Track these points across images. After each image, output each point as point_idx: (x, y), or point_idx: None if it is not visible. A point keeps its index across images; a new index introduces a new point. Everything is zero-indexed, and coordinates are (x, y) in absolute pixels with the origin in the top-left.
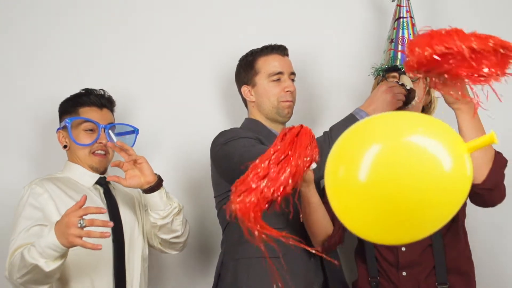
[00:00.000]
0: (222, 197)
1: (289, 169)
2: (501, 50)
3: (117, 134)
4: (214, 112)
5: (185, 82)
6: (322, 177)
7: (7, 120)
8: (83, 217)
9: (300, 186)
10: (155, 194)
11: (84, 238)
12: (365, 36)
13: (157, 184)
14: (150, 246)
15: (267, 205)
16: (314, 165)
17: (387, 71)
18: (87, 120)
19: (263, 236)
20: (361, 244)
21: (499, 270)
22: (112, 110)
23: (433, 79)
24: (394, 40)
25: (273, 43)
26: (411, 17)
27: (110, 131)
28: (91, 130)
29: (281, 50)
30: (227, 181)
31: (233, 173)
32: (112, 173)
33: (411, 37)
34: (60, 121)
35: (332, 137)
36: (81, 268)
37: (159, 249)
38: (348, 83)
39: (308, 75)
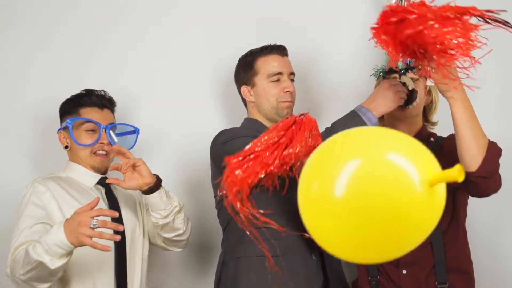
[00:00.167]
0: (222, 196)
1: (277, 152)
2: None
3: (118, 134)
4: (214, 112)
5: (185, 82)
6: None
7: (7, 120)
8: (96, 218)
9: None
10: (155, 194)
11: (94, 239)
12: (366, 36)
13: (156, 184)
14: (153, 244)
15: (252, 182)
16: None
17: (388, 73)
18: (88, 121)
19: (250, 216)
20: None
21: (499, 270)
22: (113, 111)
23: (425, 67)
24: None
25: (272, 43)
26: None
27: (111, 132)
28: (92, 130)
29: (280, 50)
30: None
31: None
32: (111, 175)
33: None
34: (61, 122)
35: (334, 133)
36: (83, 268)
37: (163, 247)
38: (348, 83)
39: (308, 75)
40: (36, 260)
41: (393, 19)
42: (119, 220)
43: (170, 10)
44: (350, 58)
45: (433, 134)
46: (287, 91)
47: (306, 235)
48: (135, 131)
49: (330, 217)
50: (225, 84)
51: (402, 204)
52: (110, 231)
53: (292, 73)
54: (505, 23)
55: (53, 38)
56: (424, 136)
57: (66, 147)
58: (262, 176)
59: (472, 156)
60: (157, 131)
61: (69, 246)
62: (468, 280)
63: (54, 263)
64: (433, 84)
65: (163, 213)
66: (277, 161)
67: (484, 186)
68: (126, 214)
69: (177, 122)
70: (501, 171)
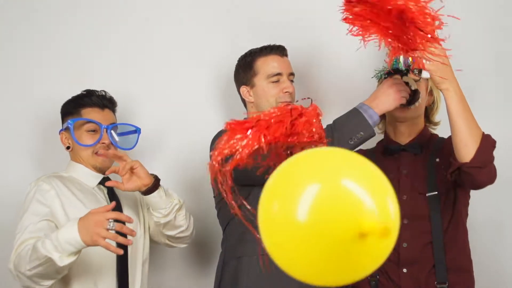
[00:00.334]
0: (221, 196)
1: (263, 135)
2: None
3: (119, 134)
4: (214, 111)
5: (185, 82)
6: None
7: (9, 120)
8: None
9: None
10: (154, 194)
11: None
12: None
13: (154, 185)
14: (158, 243)
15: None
16: None
17: (389, 74)
18: (89, 121)
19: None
20: None
21: (499, 270)
22: (114, 111)
23: (418, 58)
24: None
25: (272, 43)
26: None
27: (112, 131)
28: (94, 130)
29: (280, 50)
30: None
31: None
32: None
33: None
34: (63, 123)
35: (336, 131)
36: (84, 268)
37: (167, 244)
38: (348, 83)
39: (308, 75)
40: (45, 255)
41: None
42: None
43: (171, 10)
44: (350, 58)
45: (435, 136)
46: (286, 92)
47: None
48: (136, 130)
49: (290, 240)
50: (225, 83)
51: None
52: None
53: (292, 74)
54: None
55: (54, 39)
56: (426, 137)
57: (68, 147)
58: (262, 145)
59: (466, 147)
60: (158, 130)
61: (82, 244)
62: (468, 280)
63: (62, 261)
64: (428, 76)
65: (163, 211)
66: (263, 139)
67: (478, 176)
68: (127, 214)
69: (178, 122)
70: (501, 171)
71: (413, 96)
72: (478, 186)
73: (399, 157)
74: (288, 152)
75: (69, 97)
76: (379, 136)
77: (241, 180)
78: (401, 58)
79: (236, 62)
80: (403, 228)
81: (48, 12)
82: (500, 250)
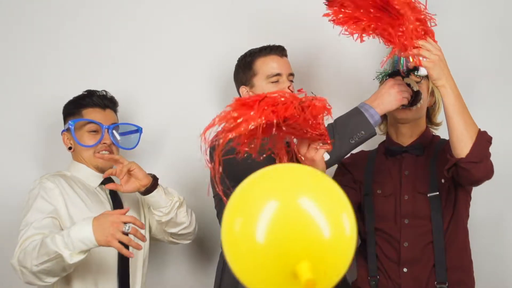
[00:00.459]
0: (220, 196)
1: (271, 110)
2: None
3: (121, 134)
4: (216, 111)
5: (187, 81)
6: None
7: (13, 121)
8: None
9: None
10: (153, 194)
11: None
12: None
13: (153, 184)
14: (162, 240)
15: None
16: (327, 156)
17: (390, 76)
18: (91, 121)
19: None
20: (363, 243)
21: (499, 270)
22: (115, 110)
23: (415, 56)
24: None
25: (273, 43)
26: None
27: (114, 131)
28: (95, 131)
29: (279, 51)
30: (229, 178)
31: (234, 169)
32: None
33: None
34: (64, 123)
35: (337, 129)
36: (85, 266)
37: (171, 241)
38: (349, 84)
39: (308, 76)
40: (55, 251)
41: None
42: None
43: (172, 11)
44: (351, 59)
45: (437, 137)
46: None
47: None
48: (138, 130)
49: (250, 258)
50: (227, 83)
51: (315, 251)
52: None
53: (291, 74)
54: None
55: (58, 40)
56: (428, 139)
57: (69, 148)
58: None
59: (462, 142)
60: (159, 130)
61: (95, 243)
62: (468, 280)
63: (72, 258)
64: (426, 73)
65: (164, 210)
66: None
67: (475, 171)
68: (129, 214)
69: (179, 121)
70: (502, 170)
71: (415, 97)
72: (475, 182)
73: (401, 158)
74: (286, 143)
75: (72, 97)
76: (381, 138)
77: (235, 177)
78: (402, 60)
79: (236, 62)
80: (404, 227)
81: (50, 13)
82: (500, 250)
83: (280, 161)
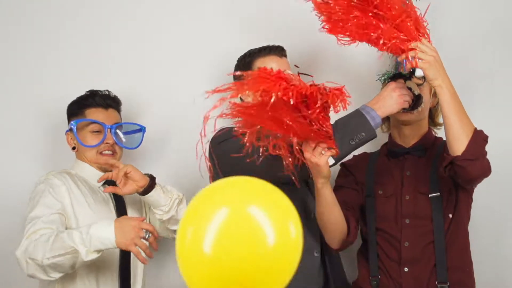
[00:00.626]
0: None
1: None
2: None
3: (124, 133)
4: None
5: (190, 81)
6: None
7: (17, 121)
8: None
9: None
10: (152, 193)
11: None
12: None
13: (150, 185)
14: (166, 237)
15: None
16: (331, 161)
17: (392, 78)
18: (93, 122)
19: None
20: (365, 243)
21: (499, 270)
22: (118, 110)
23: (409, 58)
24: None
25: (276, 43)
26: None
27: (118, 131)
28: (98, 131)
29: (278, 51)
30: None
31: (233, 169)
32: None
33: None
34: (68, 123)
35: (338, 130)
36: (88, 265)
37: (175, 238)
38: (350, 84)
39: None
40: (71, 247)
41: None
42: None
43: (172, 11)
44: (351, 59)
45: (439, 139)
46: None
47: None
48: (141, 129)
49: (199, 266)
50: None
51: (257, 259)
52: None
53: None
54: None
55: (56, 40)
56: (430, 140)
57: (73, 148)
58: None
59: (458, 140)
60: (159, 130)
61: (113, 245)
62: (469, 280)
63: (87, 256)
64: (422, 74)
65: (164, 208)
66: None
67: (470, 169)
68: (132, 213)
69: (182, 121)
70: (503, 172)
71: (416, 101)
72: (471, 180)
73: (403, 159)
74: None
75: (72, 97)
76: (383, 139)
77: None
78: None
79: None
80: (405, 227)
81: (50, 13)
82: (500, 251)
83: (286, 163)
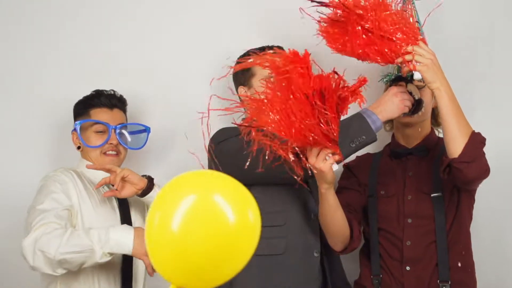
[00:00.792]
0: None
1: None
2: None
3: (129, 134)
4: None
5: (187, 82)
6: None
7: (13, 121)
8: None
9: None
10: (151, 194)
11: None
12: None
13: (149, 186)
14: None
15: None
16: (335, 167)
17: (393, 81)
18: (96, 122)
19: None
20: (367, 243)
21: (501, 269)
22: (124, 110)
23: (408, 62)
24: None
25: (273, 43)
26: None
27: (124, 131)
28: (102, 131)
29: None
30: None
31: (234, 168)
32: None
33: None
34: (74, 123)
35: (338, 133)
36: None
37: None
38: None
39: None
40: (89, 245)
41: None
42: (128, 221)
43: (172, 11)
44: (354, 59)
45: (442, 139)
46: None
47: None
48: (146, 130)
49: (166, 246)
50: (227, 83)
51: (220, 239)
52: None
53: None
54: None
55: (56, 40)
56: (433, 141)
57: (78, 147)
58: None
59: (456, 143)
60: (163, 129)
61: (129, 251)
62: (470, 279)
63: (101, 258)
64: (420, 77)
65: None
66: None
67: (467, 171)
68: (135, 214)
69: (186, 121)
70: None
71: (417, 105)
72: (468, 182)
73: (406, 160)
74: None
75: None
76: (386, 140)
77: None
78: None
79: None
80: (407, 227)
81: (50, 13)
82: (502, 250)
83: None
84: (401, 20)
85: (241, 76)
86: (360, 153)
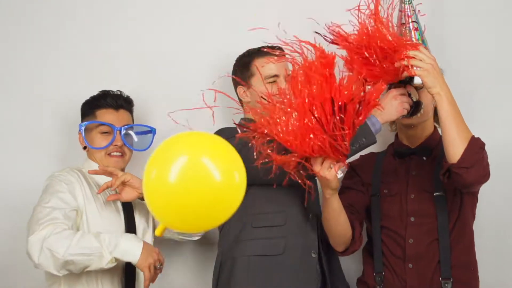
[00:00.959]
0: None
1: None
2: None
3: (135, 134)
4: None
5: (186, 82)
6: None
7: (13, 121)
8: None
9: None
10: None
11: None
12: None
13: None
14: (172, 239)
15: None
16: (340, 174)
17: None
18: (101, 123)
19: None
20: (370, 241)
21: (503, 268)
22: (130, 111)
23: (409, 68)
24: None
25: (274, 43)
26: (413, 21)
27: (130, 132)
28: (107, 132)
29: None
30: None
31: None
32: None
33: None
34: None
35: None
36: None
37: (181, 239)
38: None
39: None
40: (99, 249)
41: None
42: (132, 224)
43: (172, 11)
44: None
45: None
46: None
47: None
48: (152, 131)
49: (164, 197)
50: (227, 83)
51: (207, 194)
52: None
53: (289, 75)
54: None
55: (56, 40)
56: (435, 141)
57: (84, 147)
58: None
59: (455, 148)
60: (164, 129)
61: (134, 260)
62: (473, 277)
63: (108, 263)
64: (420, 82)
65: None
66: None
67: (466, 176)
68: (139, 217)
69: (190, 122)
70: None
71: (415, 108)
72: (467, 186)
73: (409, 159)
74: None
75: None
76: (390, 139)
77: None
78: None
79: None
80: (410, 225)
81: (50, 13)
82: (504, 248)
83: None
84: (400, 39)
85: (240, 76)
86: (364, 152)
